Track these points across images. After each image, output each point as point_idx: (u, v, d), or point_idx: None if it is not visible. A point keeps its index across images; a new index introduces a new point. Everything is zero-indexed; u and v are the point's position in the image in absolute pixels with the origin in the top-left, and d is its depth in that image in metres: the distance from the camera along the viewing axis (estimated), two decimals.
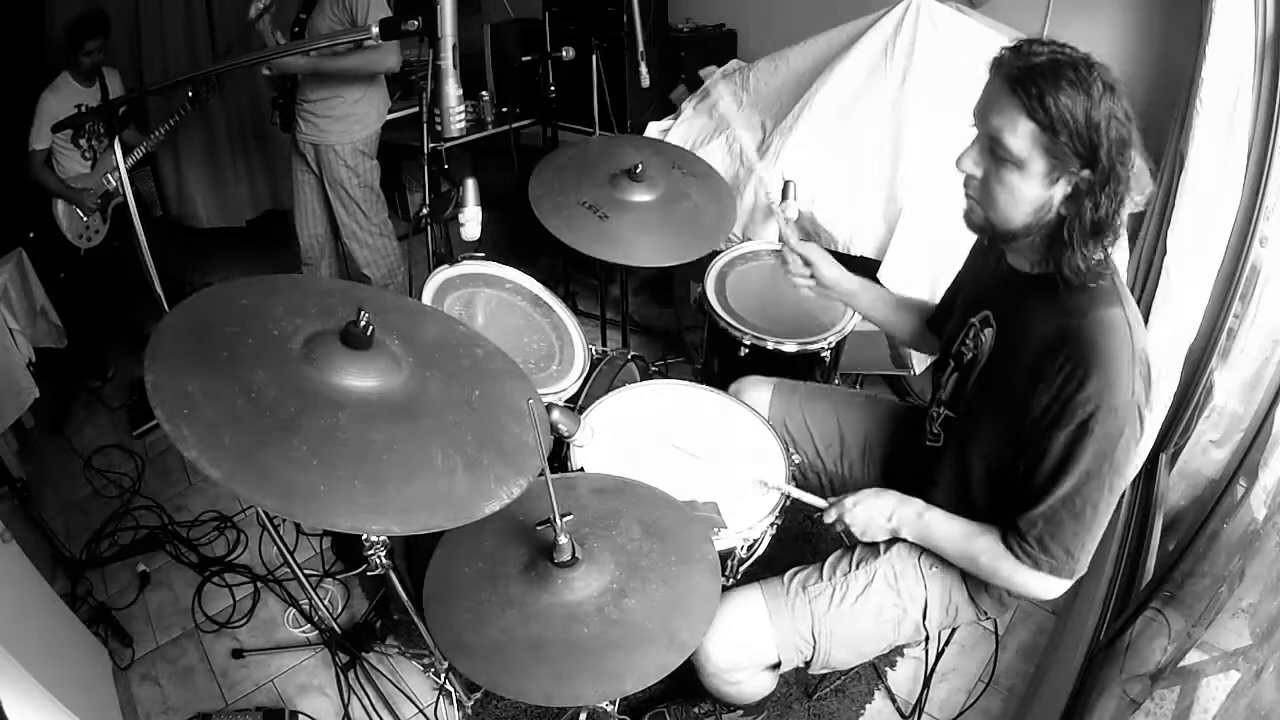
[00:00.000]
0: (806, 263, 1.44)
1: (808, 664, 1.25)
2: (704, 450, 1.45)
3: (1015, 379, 1.07)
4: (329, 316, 1.09)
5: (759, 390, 1.60)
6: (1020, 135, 0.94)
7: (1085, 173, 0.94)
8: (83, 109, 2.71)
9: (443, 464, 0.98)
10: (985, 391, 1.16)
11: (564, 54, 2.33)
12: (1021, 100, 0.92)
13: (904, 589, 1.24)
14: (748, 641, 1.22)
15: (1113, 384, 0.96)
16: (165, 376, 0.90)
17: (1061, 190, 0.97)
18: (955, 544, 1.17)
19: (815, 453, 1.55)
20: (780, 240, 1.48)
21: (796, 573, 1.29)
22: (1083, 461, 0.99)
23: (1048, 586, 1.09)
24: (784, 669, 1.26)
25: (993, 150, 0.98)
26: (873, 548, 1.29)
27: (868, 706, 1.73)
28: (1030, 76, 0.91)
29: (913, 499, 1.23)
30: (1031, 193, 0.98)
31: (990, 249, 1.22)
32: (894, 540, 1.27)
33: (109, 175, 2.74)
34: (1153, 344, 1.24)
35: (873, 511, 1.23)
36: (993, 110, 0.97)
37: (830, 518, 1.27)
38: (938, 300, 1.47)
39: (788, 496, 1.36)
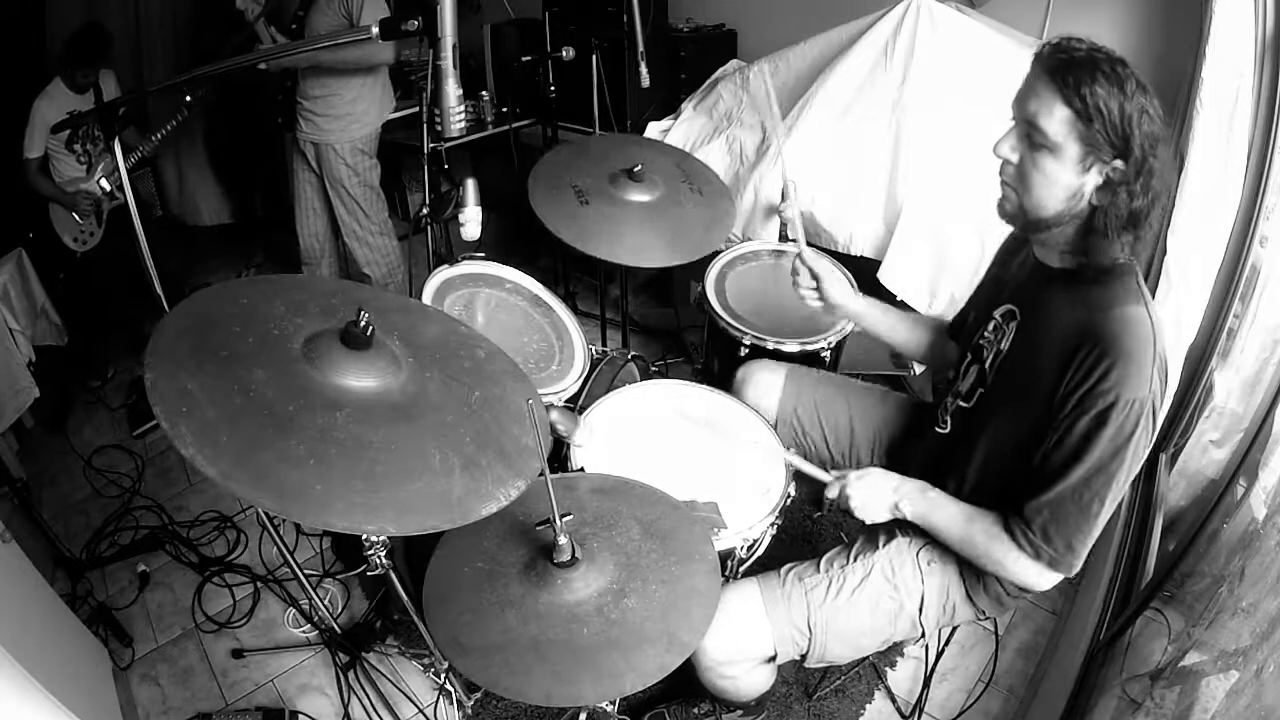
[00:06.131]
0: (815, 276, 1.45)
1: (804, 656, 1.25)
2: (709, 426, 1.45)
3: (1036, 369, 1.08)
4: (330, 316, 1.09)
5: (771, 375, 1.60)
6: (1056, 120, 0.97)
7: (1118, 163, 0.97)
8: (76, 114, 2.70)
9: (440, 465, 0.98)
10: (1004, 382, 1.17)
11: (564, 54, 2.33)
12: (1059, 88, 0.96)
13: (901, 583, 1.24)
14: (743, 633, 1.22)
15: (1133, 378, 0.97)
16: (164, 375, 0.90)
17: (1094, 179, 1.00)
18: (956, 524, 1.17)
19: (823, 440, 1.55)
20: (794, 251, 1.49)
21: (793, 566, 1.29)
22: (1095, 452, 1.00)
23: (1041, 577, 1.10)
24: (780, 661, 1.26)
25: (1029, 136, 1.02)
26: (871, 542, 1.29)
27: (868, 706, 1.72)
28: (1068, 67, 0.96)
29: (916, 479, 1.23)
30: (1065, 178, 1.00)
31: (1016, 250, 1.24)
32: (892, 535, 1.28)
33: (102, 179, 2.74)
34: None
35: (877, 486, 1.22)
36: (1031, 97, 1.00)
37: (833, 492, 1.25)
38: (939, 307, 1.47)
39: (789, 495, 1.36)
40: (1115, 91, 0.93)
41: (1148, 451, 1.03)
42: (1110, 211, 0.98)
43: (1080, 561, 1.07)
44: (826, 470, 1.31)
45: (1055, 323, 1.08)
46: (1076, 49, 0.97)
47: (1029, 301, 1.16)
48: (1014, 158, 1.05)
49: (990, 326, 1.22)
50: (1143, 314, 1.00)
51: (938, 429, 1.32)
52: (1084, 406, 1.00)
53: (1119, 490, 1.03)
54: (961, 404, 1.26)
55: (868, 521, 1.23)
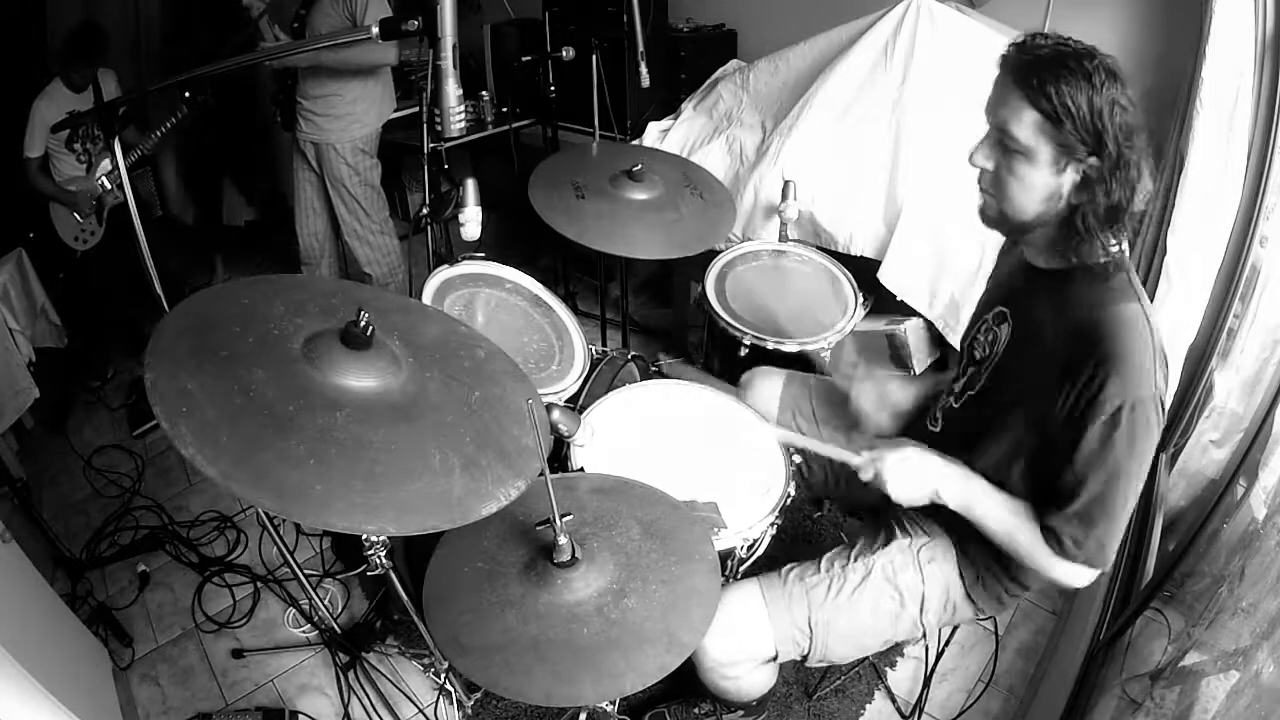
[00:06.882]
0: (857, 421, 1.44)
1: (805, 657, 1.25)
2: (709, 426, 1.46)
3: (1030, 371, 1.08)
4: (330, 316, 1.09)
5: (770, 380, 1.61)
6: (1026, 125, 0.97)
7: (1093, 160, 0.96)
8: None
9: (440, 465, 0.98)
10: (996, 385, 1.16)
11: (564, 54, 2.33)
12: (1025, 92, 0.96)
13: (901, 583, 1.24)
14: (745, 634, 1.22)
15: (1137, 378, 0.97)
16: (164, 375, 0.90)
17: (1070, 178, 0.99)
18: (1000, 517, 1.12)
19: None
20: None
21: (794, 566, 1.29)
22: (1112, 457, 1.00)
23: (1081, 577, 1.09)
24: (781, 660, 1.26)
25: (1002, 142, 1.01)
26: (871, 542, 1.29)
27: (868, 706, 1.73)
28: (1033, 69, 0.95)
29: (956, 461, 1.17)
30: (1041, 181, 1.00)
31: (1010, 251, 1.23)
32: (892, 535, 1.28)
33: (104, 178, 2.74)
34: None
35: (918, 470, 1.14)
36: (1000, 104, 1.00)
37: (867, 474, 1.17)
38: (939, 307, 1.47)
39: (789, 495, 1.36)
40: (1083, 87, 0.92)
41: (1158, 441, 1.02)
42: (1089, 210, 0.98)
43: (1114, 554, 1.06)
44: (826, 492, 1.25)
45: (1046, 323, 1.07)
46: (1041, 47, 0.96)
47: (1019, 303, 1.15)
48: (989, 165, 1.04)
49: (982, 328, 1.22)
50: (1137, 310, 1.00)
51: (929, 426, 1.32)
52: (1093, 412, 0.99)
53: (1140, 484, 1.03)
54: (952, 403, 1.27)
55: (904, 505, 1.16)
